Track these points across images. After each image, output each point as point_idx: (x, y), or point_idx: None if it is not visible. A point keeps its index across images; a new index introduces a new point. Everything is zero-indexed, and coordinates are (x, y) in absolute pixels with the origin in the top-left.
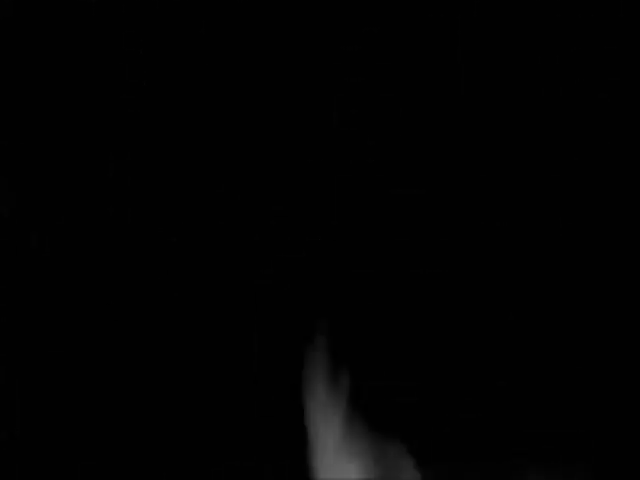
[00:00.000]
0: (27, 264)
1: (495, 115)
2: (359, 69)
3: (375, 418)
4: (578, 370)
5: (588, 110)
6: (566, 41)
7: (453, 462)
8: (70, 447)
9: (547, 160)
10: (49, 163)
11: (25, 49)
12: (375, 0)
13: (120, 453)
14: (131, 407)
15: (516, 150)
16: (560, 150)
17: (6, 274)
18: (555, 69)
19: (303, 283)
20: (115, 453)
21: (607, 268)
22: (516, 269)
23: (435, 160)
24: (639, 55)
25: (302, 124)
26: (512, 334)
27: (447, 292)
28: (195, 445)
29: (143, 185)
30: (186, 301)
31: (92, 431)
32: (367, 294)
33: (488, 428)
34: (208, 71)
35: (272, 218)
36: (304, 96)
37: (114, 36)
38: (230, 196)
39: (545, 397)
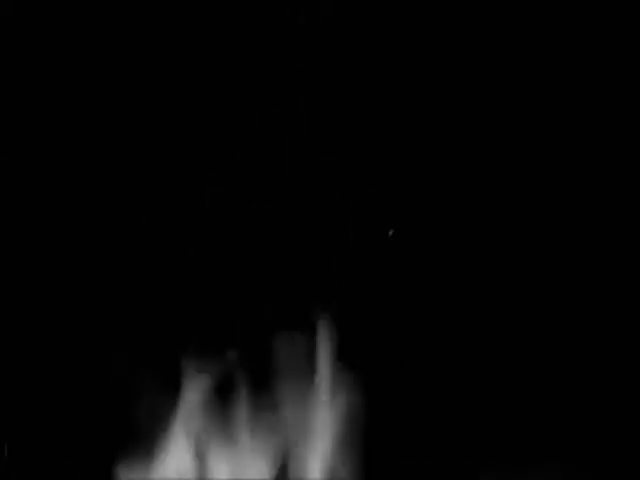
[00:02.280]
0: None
1: (493, 115)
2: (358, 69)
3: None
4: (577, 370)
5: (588, 110)
6: (566, 41)
7: (456, 462)
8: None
9: (547, 160)
10: (48, 163)
11: (25, 49)
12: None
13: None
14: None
15: (515, 150)
16: (560, 150)
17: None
18: (555, 69)
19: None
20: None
21: (607, 268)
22: (515, 270)
23: (432, 160)
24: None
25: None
26: (512, 334)
27: (447, 292)
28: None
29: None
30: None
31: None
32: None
33: (488, 429)
34: (206, 71)
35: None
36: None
37: (113, 36)
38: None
39: (544, 397)
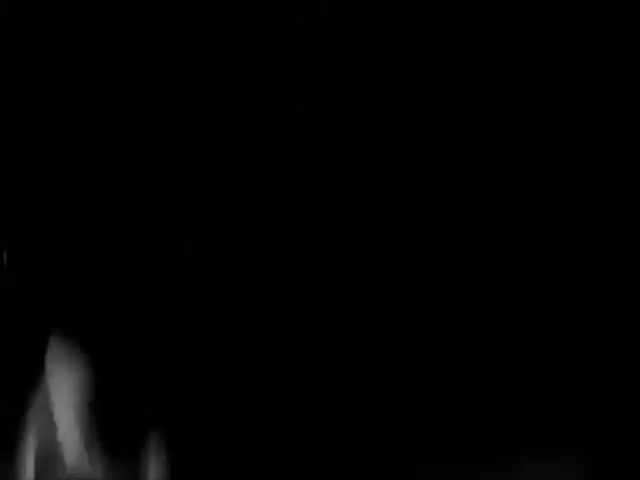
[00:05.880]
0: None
1: (492, 116)
2: (357, 70)
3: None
4: (577, 367)
5: (588, 110)
6: (566, 41)
7: (452, 462)
8: None
9: (547, 160)
10: (47, 162)
11: (25, 49)
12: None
13: None
14: None
15: (515, 150)
16: (560, 150)
17: None
18: (555, 69)
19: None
20: None
21: (607, 268)
22: (514, 270)
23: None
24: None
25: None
26: (510, 332)
27: (445, 290)
28: None
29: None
30: None
31: None
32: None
33: (486, 426)
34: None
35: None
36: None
37: (113, 36)
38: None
39: (543, 394)
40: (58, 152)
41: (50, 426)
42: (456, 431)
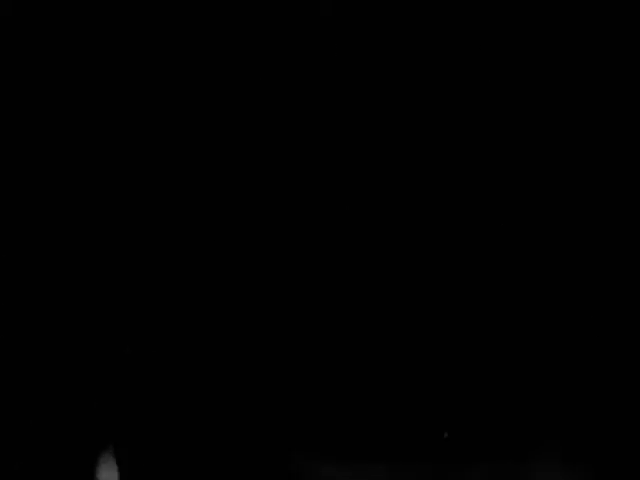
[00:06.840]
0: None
1: (492, 116)
2: (356, 70)
3: None
4: (578, 370)
5: (588, 110)
6: (566, 41)
7: (453, 462)
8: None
9: (546, 160)
10: (47, 162)
11: (25, 49)
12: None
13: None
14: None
15: (516, 151)
16: (559, 150)
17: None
18: (554, 69)
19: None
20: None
21: (607, 269)
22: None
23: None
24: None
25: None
26: (512, 333)
27: (445, 291)
28: None
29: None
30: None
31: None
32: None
33: (489, 428)
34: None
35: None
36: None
37: (114, 36)
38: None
39: (545, 397)
40: (57, 152)
41: None
42: (459, 433)
